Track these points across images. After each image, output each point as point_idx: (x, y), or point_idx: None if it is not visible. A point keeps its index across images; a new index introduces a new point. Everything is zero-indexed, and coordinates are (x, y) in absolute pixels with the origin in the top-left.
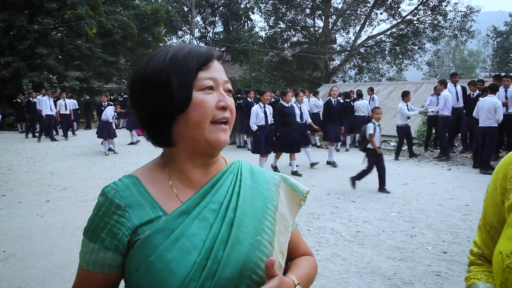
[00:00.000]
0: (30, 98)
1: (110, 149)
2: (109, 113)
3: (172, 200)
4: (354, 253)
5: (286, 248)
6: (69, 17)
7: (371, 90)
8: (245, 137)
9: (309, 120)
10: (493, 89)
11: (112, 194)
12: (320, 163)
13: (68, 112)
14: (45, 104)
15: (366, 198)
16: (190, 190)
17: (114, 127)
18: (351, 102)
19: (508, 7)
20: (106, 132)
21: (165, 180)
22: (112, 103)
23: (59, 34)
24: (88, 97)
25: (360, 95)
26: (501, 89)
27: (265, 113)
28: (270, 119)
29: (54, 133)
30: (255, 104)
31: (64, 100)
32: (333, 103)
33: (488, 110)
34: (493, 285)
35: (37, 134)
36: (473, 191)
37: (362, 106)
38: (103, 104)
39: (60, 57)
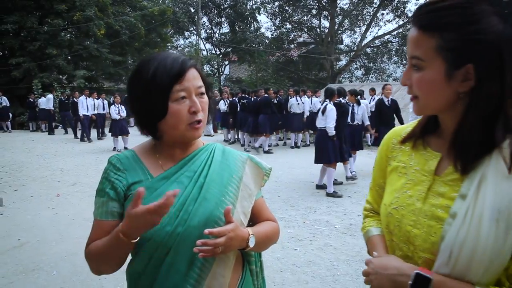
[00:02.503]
0: (74, 98)
1: (125, 148)
2: (113, 112)
3: (157, 169)
4: (346, 243)
5: (249, 211)
6: (78, 19)
7: (372, 91)
8: (248, 136)
9: (367, 122)
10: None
11: (115, 161)
12: None
13: (104, 112)
14: (82, 104)
15: (362, 194)
16: (172, 163)
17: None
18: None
19: None
20: (118, 130)
21: (154, 155)
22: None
23: (68, 35)
24: (97, 97)
25: (360, 95)
26: None
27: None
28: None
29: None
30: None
31: (103, 100)
32: (387, 103)
33: None
34: (381, 229)
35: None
36: None
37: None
38: (115, 105)
39: (69, 57)
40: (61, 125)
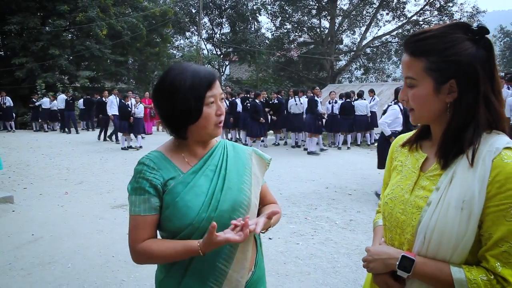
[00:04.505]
0: (103, 98)
1: (141, 146)
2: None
3: (185, 165)
4: (346, 238)
5: (259, 196)
6: (80, 19)
7: (372, 92)
8: (248, 139)
9: None
10: None
11: (147, 162)
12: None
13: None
14: (112, 104)
15: (362, 191)
16: (196, 159)
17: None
18: (351, 102)
19: None
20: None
21: (179, 153)
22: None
23: (70, 36)
24: (99, 97)
25: (360, 96)
26: None
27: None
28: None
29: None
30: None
31: (130, 100)
32: None
33: None
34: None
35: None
36: None
37: (361, 106)
38: (127, 104)
39: (71, 58)
40: (61, 125)
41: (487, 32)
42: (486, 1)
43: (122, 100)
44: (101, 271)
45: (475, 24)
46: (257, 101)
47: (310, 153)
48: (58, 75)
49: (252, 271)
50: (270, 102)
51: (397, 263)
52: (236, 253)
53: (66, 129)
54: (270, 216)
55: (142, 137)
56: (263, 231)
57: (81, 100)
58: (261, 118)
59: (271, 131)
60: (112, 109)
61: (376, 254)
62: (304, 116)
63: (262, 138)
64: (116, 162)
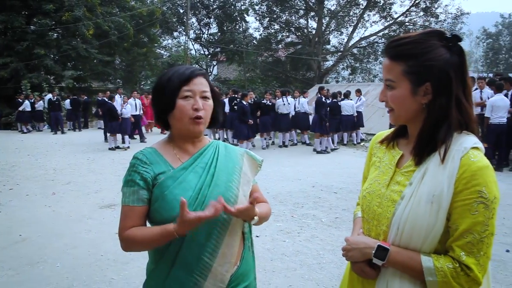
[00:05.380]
0: (105, 98)
1: (128, 147)
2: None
3: (176, 161)
4: (331, 235)
5: (248, 194)
6: (66, 19)
7: (358, 92)
8: (236, 141)
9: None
10: None
11: (141, 157)
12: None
13: (138, 113)
14: (119, 105)
15: (347, 190)
16: (187, 156)
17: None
18: (338, 102)
19: (500, 8)
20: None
21: (171, 150)
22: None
23: (56, 35)
24: (86, 97)
25: (346, 96)
26: (477, 90)
27: None
28: None
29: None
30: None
31: (135, 100)
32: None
33: None
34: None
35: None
36: None
37: (347, 106)
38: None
39: (57, 57)
40: (47, 125)
41: (460, 39)
42: (469, 3)
43: (109, 101)
44: (90, 270)
45: (450, 32)
46: (244, 102)
47: (319, 152)
48: (44, 75)
49: (237, 265)
50: (262, 102)
51: (373, 252)
52: (221, 247)
53: (53, 130)
54: (252, 202)
55: (134, 138)
56: (253, 223)
57: (68, 100)
58: (249, 120)
59: (260, 133)
60: (133, 110)
61: (355, 243)
62: (311, 116)
63: (252, 140)
64: (104, 163)
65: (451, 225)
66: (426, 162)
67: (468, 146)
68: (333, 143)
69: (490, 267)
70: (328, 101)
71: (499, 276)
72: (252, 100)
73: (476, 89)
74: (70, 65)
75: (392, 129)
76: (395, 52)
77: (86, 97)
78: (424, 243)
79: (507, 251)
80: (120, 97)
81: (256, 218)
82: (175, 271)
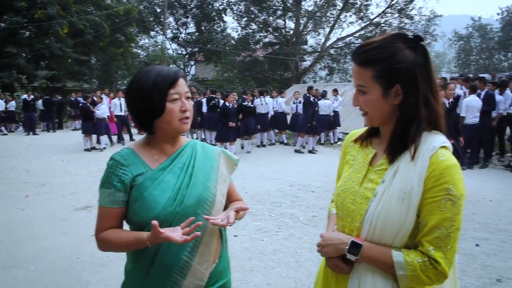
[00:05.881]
0: (94, 98)
1: (104, 148)
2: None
3: (154, 162)
4: (309, 233)
5: (225, 193)
6: (39, 17)
7: (335, 92)
8: (219, 144)
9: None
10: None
11: (118, 158)
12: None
13: (123, 113)
14: (115, 106)
15: (324, 188)
16: (165, 157)
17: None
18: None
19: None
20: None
21: (149, 151)
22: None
23: (28, 33)
24: (61, 97)
25: (323, 95)
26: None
27: None
28: None
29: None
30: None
31: (120, 99)
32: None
33: None
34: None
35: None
36: None
37: (324, 106)
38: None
39: (29, 56)
40: (21, 126)
41: (422, 39)
42: (442, 6)
43: (84, 101)
44: (65, 273)
45: (414, 33)
46: (226, 103)
47: (298, 151)
48: (16, 75)
49: (216, 263)
50: (243, 104)
51: (347, 247)
52: (200, 246)
53: (27, 131)
54: (238, 210)
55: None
56: (230, 225)
57: (40, 101)
58: (230, 123)
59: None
60: (117, 110)
61: (329, 239)
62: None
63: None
64: (79, 164)
65: (420, 221)
66: (398, 160)
67: (437, 145)
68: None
69: (461, 261)
70: (315, 101)
71: (468, 269)
72: (235, 102)
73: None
74: (43, 64)
75: (366, 128)
76: (363, 58)
77: (60, 97)
78: (395, 238)
79: (477, 245)
80: (106, 97)
81: (236, 221)
82: (154, 271)
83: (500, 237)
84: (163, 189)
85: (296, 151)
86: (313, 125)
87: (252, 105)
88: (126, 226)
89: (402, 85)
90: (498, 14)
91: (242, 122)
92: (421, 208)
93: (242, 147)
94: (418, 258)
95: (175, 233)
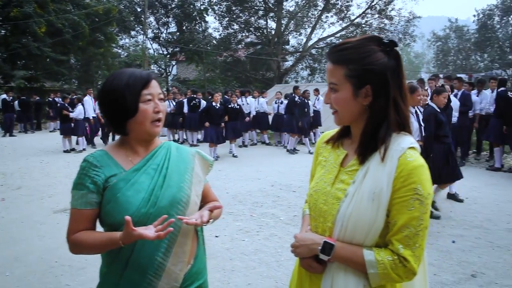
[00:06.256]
0: (56, 98)
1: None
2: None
3: (128, 163)
4: (290, 233)
5: (200, 194)
6: (15, 15)
7: (316, 91)
8: (208, 145)
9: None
10: (410, 91)
11: (91, 159)
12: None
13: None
14: (89, 105)
15: (306, 188)
16: (139, 158)
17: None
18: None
19: (449, 12)
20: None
21: (123, 152)
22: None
23: (4, 32)
24: (38, 98)
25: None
26: (429, 91)
27: None
28: None
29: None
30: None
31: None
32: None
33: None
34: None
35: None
36: None
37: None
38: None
39: (5, 56)
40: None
41: (396, 45)
42: (421, 8)
43: (62, 101)
44: (43, 277)
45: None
46: (214, 103)
47: (288, 151)
48: None
49: (191, 264)
50: (229, 106)
51: (319, 248)
52: (174, 247)
53: (7, 132)
54: (211, 209)
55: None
56: (205, 224)
57: (16, 102)
58: (222, 124)
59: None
60: (91, 111)
61: (302, 240)
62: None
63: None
64: (58, 166)
65: (390, 220)
66: (368, 161)
67: (405, 146)
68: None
69: (438, 257)
70: (304, 101)
71: (445, 265)
72: (220, 102)
73: (427, 89)
74: (20, 64)
75: (337, 129)
76: (337, 56)
77: (38, 98)
78: (366, 238)
79: (453, 242)
80: (91, 97)
81: (210, 221)
82: (128, 272)
83: (475, 233)
84: (136, 190)
85: (289, 151)
86: (297, 124)
87: (238, 107)
88: (99, 228)
89: (373, 86)
90: (474, 16)
91: (228, 124)
92: (391, 208)
93: (231, 152)
94: (388, 257)
95: (145, 230)
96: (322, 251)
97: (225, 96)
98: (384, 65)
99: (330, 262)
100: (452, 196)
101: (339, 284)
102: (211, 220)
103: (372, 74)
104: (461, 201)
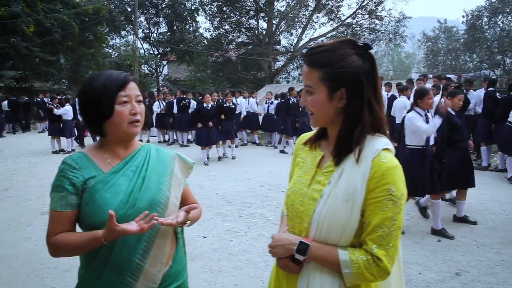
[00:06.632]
0: (45, 98)
1: (73, 150)
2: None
3: (107, 165)
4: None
5: (179, 196)
6: (2, 14)
7: None
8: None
9: None
10: (402, 91)
11: (70, 162)
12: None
13: None
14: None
15: None
16: (118, 160)
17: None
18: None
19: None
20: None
21: (102, 154)
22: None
23: None
24: (27, 98)
25: (283, 96)
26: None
27: None
28: None
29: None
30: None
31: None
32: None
33: (399, 110)
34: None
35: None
36: None
37: None
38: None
39: None
40: None
41: (370, 48)
42: (411, 8)
43: (50, 101)
44: (28, 279)
45: (361, 41)
46: (205, 104)
47: (281, 151)
48: None
49: (169, 265)
50: (225, 106)
51: (295, 248)
52: (152, 249)
53: None
54: (188, 210)
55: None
56: (180, 225)
57: (5, 102)
58: (210, 123)
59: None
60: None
61: (279, 240)
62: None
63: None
64: (46, 167)
65: (364, 220)
66: (343, 162)
67: (379, 148)
68: (282, 142)
69: (423, 256)
70: (296, 102)
71: (430, 264)
72: (215, 102)
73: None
74: (9, 64)
75: (315, 131)
76: (313, 59)
77: (26, 98)
78: (341, 238)
79: (439, 241)
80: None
81: (188, 222)
82: (106, 274)
83: (460, 232)
84: (115, 192)
85: (281, 151)
86: (294, 126)
87: (233, 106)
88: (78, 229)
89: (347, 89)
90: (463, 16)
91: (224, 124)
92: (365, 208)
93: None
94: (362, 256)
95: (127, 225)
96: (298, 251)
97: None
98: (358, 68)
99: (306, 262)
100: (462, 219)
101: (315, 284)
102: (188, 222)
103: (347, 77)
104: (474, 223)
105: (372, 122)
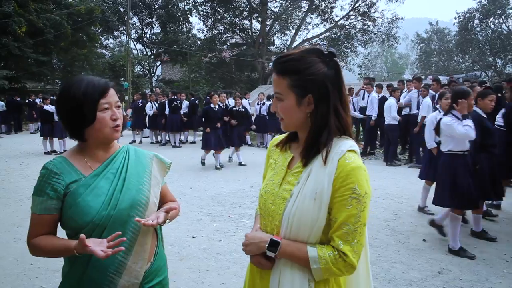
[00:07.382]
0: (37, 99)
1: (65, 150)
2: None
3: (87, 169)
4: None
5: (158, 195)
6: None
7: None
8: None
9: None
10: (392, 92)
11: (51, 167)
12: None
13: None
14: None
15: None
16: (98, 163)
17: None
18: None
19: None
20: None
21: (82, 158)
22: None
23: None
24: (19, 99)
25: (268, 98)
26: (405, 92)
27: None
28: None
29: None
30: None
31: None
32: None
33: (386, 110)
34: None
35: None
36: (376, 180)
37: None
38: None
39: None
40: None
41: (335, 55)
42: (404, 9)
43: (42, 103)
44: (17, 279)
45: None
46: (212, 105)
47: None
48: None
49: (151, 261)
50: (234, 109)
51: (266, 245)
52: (135, 246)
53: None
54: (168, 211)
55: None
56: (162, 224)
57: (2, 103)
58: (218, 124)
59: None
60: None
61: (251, 238)
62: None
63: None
64: (38, 168)
65: (331, 218)
66: (311, 163)
67: (345, 149)
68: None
69: (408, 255)
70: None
71: (414, 263)
72: (224, 104)
73: (405, 91)
74: (1, 65)
75: (286, 133)
76: (281, 68)
77: (18, 99)
78: (310, 235)
79: (424, 240)
80: None
81: (167, 221)
82: (89, 271)
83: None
84: (96, 194)
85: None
86: None
87: (242, 109)
88: (61, 231)
89: (314, 95)
90: (455, 18)
91: (235, 129)
92: (332, 206)
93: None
94: (330, 252)
95: (100, 247)
96: (269, 248)
97: (207, 97)
98: (324, 75)
99: (278, 259)
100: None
101: (286, 279)
102: (167, 221)
103: (313, 84)
104: (493, 239)
105: (338, 125)
